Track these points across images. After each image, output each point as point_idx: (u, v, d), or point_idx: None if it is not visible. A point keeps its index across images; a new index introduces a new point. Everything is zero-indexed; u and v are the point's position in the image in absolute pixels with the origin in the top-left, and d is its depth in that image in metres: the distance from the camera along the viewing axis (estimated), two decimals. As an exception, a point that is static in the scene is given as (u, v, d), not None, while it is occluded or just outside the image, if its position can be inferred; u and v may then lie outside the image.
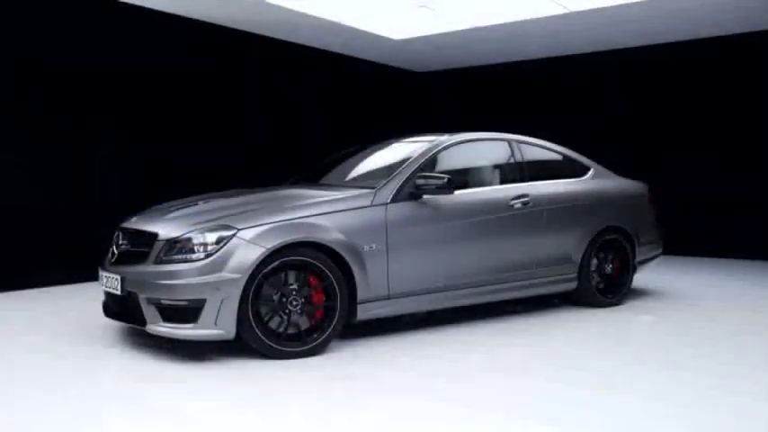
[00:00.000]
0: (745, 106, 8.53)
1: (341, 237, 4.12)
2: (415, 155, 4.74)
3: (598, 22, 7.81)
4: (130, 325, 4.14)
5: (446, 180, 4.43)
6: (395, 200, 4.43)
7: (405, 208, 4.46)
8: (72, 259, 6.67)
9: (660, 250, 6.09)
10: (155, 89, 7.48)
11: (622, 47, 9.16)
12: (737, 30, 8.32)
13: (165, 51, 7.59)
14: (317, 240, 4.02)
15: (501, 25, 7.96)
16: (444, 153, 4.87)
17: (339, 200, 4.29)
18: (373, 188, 4.46)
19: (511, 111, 10.26)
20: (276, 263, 3.90)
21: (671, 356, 3.99)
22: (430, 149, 4.81)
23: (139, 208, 4.79)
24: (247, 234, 3.88)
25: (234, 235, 3.86)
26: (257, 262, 3.82)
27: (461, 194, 4.74)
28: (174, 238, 3.93)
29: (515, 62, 10.16)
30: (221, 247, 3.82)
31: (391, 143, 5.38)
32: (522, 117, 9.92)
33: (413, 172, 4.58)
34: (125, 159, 7.25)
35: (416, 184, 4.49)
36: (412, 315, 4.93)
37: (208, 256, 3.82)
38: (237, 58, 8.39)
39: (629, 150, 8.96)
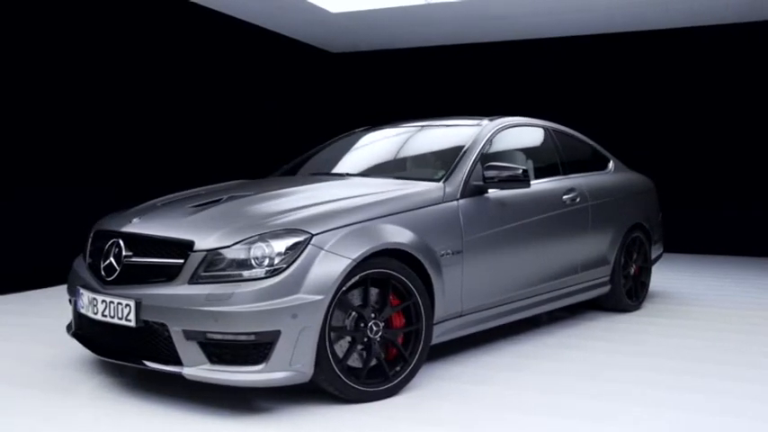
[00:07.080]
0: (743, 103, 8.28)
1: (420, 241, 3.26)
2: (469, 141, 3.96)
3: (565, 6, 7.44)
4: (145, 367, 2.96)
5: (521, 171, 3.70)
6: (464, 194, 3.64)
7: (474, 204, 3.68)
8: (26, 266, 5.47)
9: (662, 248, 5.78)
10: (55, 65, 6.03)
11: (595, 33, 8.74)
12: (739, 19, 8.01)
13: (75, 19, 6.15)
14: (400, 247, 3.14)
15: (458, 3, 7.34)
16: (494, 140, 4.13)
17: (407, 195, 3.42)
18: (437, 180, 3.65)
19: (454, 97, 9.65)
20: (356, 278, 2.98)
21: None
22: (483, 135, 4.04)
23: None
24: (325, 240, 2.90)
25: (308, 242, 2.87)
26: (342, 277, 2.87)
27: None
28: (221, 247, 2.86)
29: (457, 45, 9.54)
30: (294, 260, 2.82)
31: (383, 128, 4.70)
32: (467, 105, 9.31)
33: (474, 161, 3.81)
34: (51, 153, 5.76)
35: (485, 175, 3.72)
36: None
37: (275, 272, 2.80)
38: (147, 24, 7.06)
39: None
